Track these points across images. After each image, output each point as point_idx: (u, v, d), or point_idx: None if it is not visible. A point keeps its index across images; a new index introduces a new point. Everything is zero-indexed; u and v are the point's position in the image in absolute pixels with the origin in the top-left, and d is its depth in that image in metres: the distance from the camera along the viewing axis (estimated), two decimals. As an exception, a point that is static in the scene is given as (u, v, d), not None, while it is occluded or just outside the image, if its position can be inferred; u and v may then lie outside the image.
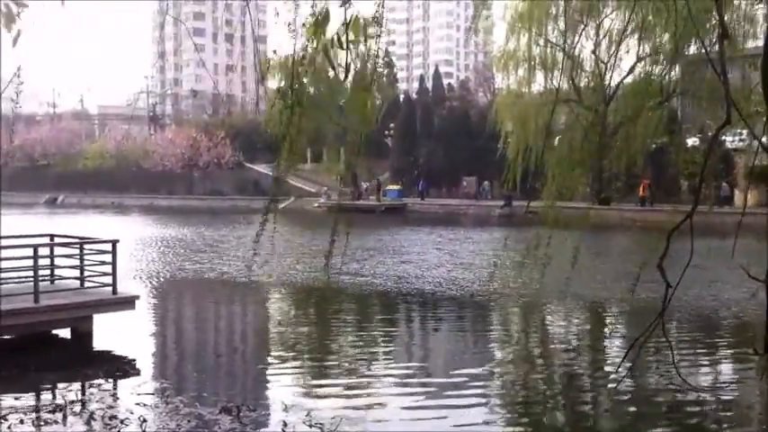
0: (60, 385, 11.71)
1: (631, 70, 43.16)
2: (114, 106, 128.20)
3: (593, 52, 47.82)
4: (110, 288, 14.70)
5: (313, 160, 64.47)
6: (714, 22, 5.01)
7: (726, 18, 6.33)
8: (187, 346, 15.71)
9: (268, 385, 12.34)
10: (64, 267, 15.84)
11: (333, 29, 6.09)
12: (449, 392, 11.51)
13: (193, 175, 79.31)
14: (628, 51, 39.43)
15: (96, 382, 12.04)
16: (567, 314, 18.72)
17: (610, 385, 11.65)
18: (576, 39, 44.29)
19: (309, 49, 6.25)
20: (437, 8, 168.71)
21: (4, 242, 14.56)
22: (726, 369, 13.61)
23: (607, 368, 13.23)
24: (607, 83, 47.92)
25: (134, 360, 13.54)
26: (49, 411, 10.25)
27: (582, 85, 48.68)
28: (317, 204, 59.69)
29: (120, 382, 12.15)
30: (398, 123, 67.44)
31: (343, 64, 6.22)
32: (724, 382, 12.41)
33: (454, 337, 16.45)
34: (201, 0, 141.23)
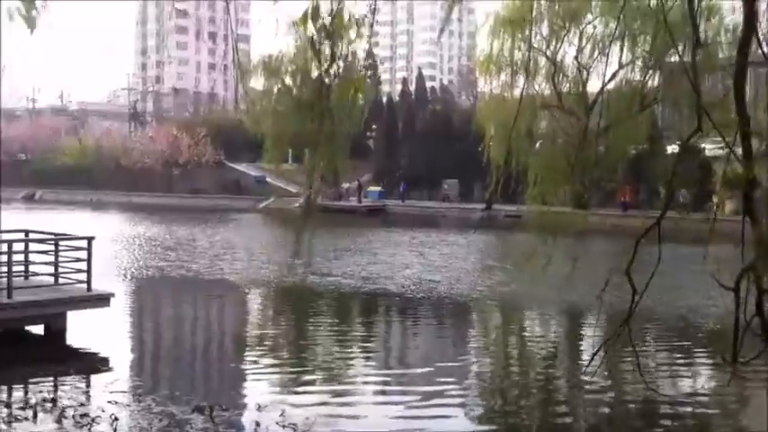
0: (32, 382, 11.59)
1: (613, 77, 43.40)
2: (95, 103, 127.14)
3: (576, 58, 48.03)
4: (84, 285, 14.56)
5: (294, 160, 64.32)
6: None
7: (703, 27, 6.39)
8: (161, 344, 15.62)
9: (241, 384, 12.28)
10: (38, 264, 15.68)
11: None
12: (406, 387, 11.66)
13: (173, 173, 78.79)
14: (607, 56, 39.69)
15: (69, 379, 11.93)
16: (531, 318, 18.94)
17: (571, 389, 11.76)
18: (559, 45, 44.49)
19: (298, 42, 6.36)
20: (421, 11, 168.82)
21: (-22, 237, 14.38)
22: (694, 376, 13.64)
23: (567, 374, 13.37)
24: (589, 89, 48.17)
25: (107, 358, 13.42)
26: (20, 408, 10.13)
27: (564, 90, 48.91)
28: (297, 204, 59.52)
29: (93, 380, 12.05)
30: (380, 125, 67.46)
31: (330, 59, 6.25)
32: (690, 389, 12.45)
33: (415, 337, 16.82)
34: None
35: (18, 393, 11.08)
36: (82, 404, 10.44)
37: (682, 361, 14.72)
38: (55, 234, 16.00)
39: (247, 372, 13.01)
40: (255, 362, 13.66)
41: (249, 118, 57.05)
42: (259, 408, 10.28)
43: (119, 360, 13.31)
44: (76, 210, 59.85)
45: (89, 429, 9.29)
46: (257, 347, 15.04)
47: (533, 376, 13.35)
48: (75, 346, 14.01)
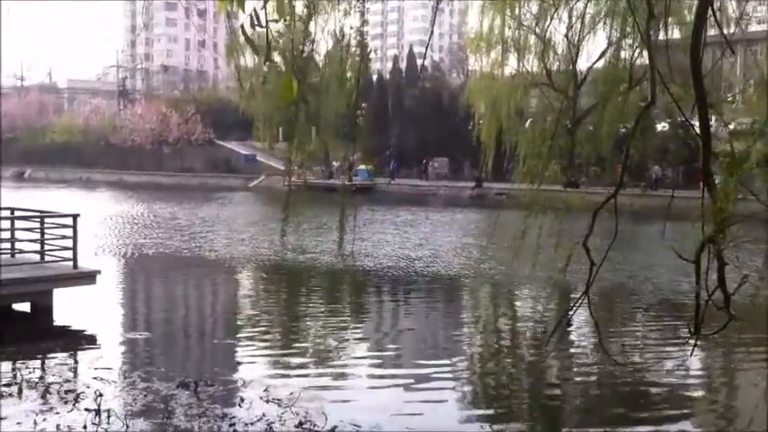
0: (18, 359, 11.63)
1: (603, 55, 43.36)
2: (84, 80, 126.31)
3: (566, 36, 47.92)
4: (70, 263, 14.58)
5: (285, 139, 64.10)
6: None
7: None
8: (147, 321, 15.68)
9: (226, 360, 12.38)
10: (24, 241, 15.68)
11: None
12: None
13: (163, 152, 78.47)
14: (592, 34, 39.69)
15: (54, 356, 12.00)
16: (501, 293, 19.38)
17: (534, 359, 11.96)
18: (549, 22, 44.33)
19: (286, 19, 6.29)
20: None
21: (-37, 215, 14.37)
22: (656, 348, 13.82)
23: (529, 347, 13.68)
24: (579, 67, 48.08)
25: (94, 335, 13.48)
26: (6, 385, 10.17)
27: (554, 69, 48.83)
28: (286, 183, 59.41)
29: (79, 357, 12.12)
30: (370, 104, 67.23)
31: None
32: (651, 360, 12.68)
33: (385, 312, 17.34)
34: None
35: (4, 369, 11.11)
36: (67, 380, 10.51)
37: (649, 334, 14.99)
38: (41, 211, 15.98)
39: (231, 347, 13.11)
40: (235, 337, 13.84)
41: (239, 96, 56.77)
42: (244, 384, 10.38)
43: (105, 337, 13.38)
44: (66, 188, 59.69)
45: (74, 405, 9.36)
46: (232, 324, 15.30)
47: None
48: (62, 323, 14.06)
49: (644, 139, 44.49)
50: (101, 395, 9.59)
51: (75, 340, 13.04)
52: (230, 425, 8.81)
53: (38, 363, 11.63)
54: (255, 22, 3.46)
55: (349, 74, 17.19)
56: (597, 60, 43.91)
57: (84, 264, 15.34)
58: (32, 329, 13.79)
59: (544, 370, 11.92)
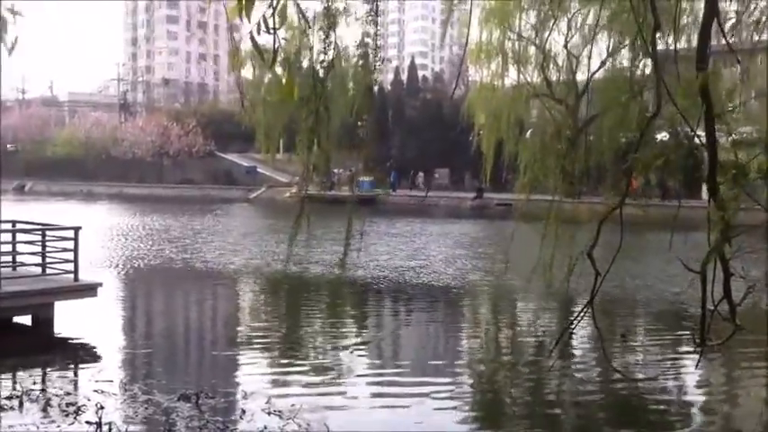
0: (19, 372, 11.59)
1: (602, 64, 43.39)
2: (85, 93, 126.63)
3: (565, 46, 47.98)
4: (71, 275, 14.55)
5: (286, 150, 64.22)
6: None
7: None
8: (149, 333, 15.63)
9: (227, 372, 12.33)
10: (26, 254, 15.66)
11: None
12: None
13: (164, 164, 78.63)
14: (593, 44, 39.74)
15: (55, 369, 11.97)
16: (497, 303, 19.52)
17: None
18: (548, 33, 44.40)
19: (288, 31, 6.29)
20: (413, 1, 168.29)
21: (-35, 228, 14.36)
22: (661, 359, 13.73)
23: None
24: (579, 78, 48.14)
25: (94, 347, 13.43)
26: (7, 398, 10.13)
27: (554, 79, 48.86)
28: (288, 194, 59.48)
29: (80, 370, 12.07)
30: (371, 114, 67.38)
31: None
32: (655, 370, 12.57)
33: (369, 321, 17.36)
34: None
35: (5, 383, 11.07)
36: (68, 393, 10.45)
37: (655, 344, 14.93)
38: (42, 224, 15.98)
39: (231, 358, 13.05)
40: (234, 346, 13.80)
41: (240, 108, 56.94)
42: (245, 395, 10.34)
43: (106, 350, 13.32)
44: (67, 201, 59.73)
45: (75, 418, 9.31)
46: (234, 334, 15.28)
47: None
48: (63, 336, 14.01)
49: (646, 150, 44.51)
50: (102, 408, 9.54)
51: (76, 353, 12.99)
52: (232, 437, 8.76)
53: (39, 375, 11.59)
54: (264, 28, 3.47)
55: (351, 84, 17.23)
56: (597, 70, 43.93)
57: (87, 276, 15.31)
58: (33, 342, 13.76)
59: (546, 380, 11.84)
